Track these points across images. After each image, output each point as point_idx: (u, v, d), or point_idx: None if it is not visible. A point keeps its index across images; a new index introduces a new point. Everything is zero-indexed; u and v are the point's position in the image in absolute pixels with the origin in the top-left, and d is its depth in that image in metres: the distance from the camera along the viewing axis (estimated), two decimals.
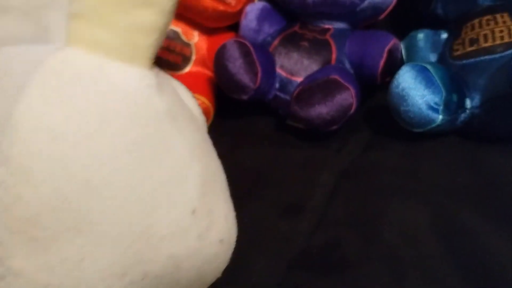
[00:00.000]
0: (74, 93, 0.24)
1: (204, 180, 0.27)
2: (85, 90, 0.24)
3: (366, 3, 0.55)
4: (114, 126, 0.24)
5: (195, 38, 0.61)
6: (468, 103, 0.50)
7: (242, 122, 0.60)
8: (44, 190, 0.23)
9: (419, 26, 0.58)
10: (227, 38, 0.57)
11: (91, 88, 0.24)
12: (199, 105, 0.55)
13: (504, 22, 0.50)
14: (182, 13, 0.59)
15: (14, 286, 0.24)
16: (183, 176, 0.26)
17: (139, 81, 0.25)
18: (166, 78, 0.29)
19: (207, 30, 0.61)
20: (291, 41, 0.58)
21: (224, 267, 0.31)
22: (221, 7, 0.57)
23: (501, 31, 0.49)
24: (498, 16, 0.51)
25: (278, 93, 0.57)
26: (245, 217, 0.47)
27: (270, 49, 0.58)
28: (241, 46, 0.54)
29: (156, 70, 0.27)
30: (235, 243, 0.32)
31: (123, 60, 0.25)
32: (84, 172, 0.23)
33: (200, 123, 0.33)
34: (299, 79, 0.55)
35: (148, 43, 0.26)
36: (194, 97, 0.35)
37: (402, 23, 0.61)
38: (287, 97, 0.55)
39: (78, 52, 0.24)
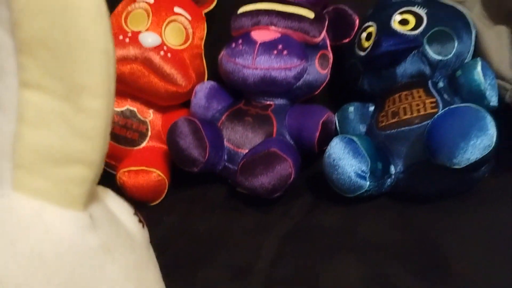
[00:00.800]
0: (16, 239, 0.26)
1: None
2: (26, 237, 0.26)
3: (300, 81, 0.61)
4: (51, 266, 0.26)
5: (150, 115, 0.66)
6: (392, 169, 0.55)
7: (195, 191, 0.64)
8: None
9: (351, 100, 0.64)
10: (181, 115, 0.62)
11: (30, 233, 0.26)
12: (154, 177, 0.60)
13: (419, 96, 0.56)
14: (137, 94, 0.65)
15: None
16: None
17: (74, 224, 0.27)
18: (104, 209, 0.31)
19: (161, 108, 0.67)
20: (237, 117, 0.63)
21: None
22: (172, 88, 0.63)
23: (418, 105, 0.55)
24: (414, 91, 0.57)
25: (227, 164, 0.62)
26: (199, 281, 0.51)
27: (219, 124, 0.64)
28: (191, 123, 0.59)
29: (90, 205, 0.29)
30: None
31: (60, 205, 0.27)
32: None
33: (138, 239, 0.35)
34: (244, 151, 0.61)
35: (81, 192, 0.28)
36: (135, 213, 0.37)
37: (337, 97, 0.67)
38: (235, 168, 0.60)
39: (21, 198, 0.26)
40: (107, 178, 0.65)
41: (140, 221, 0.37)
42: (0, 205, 0.26)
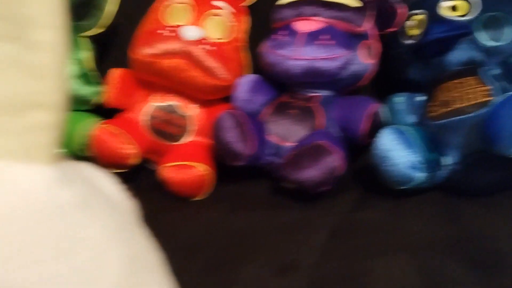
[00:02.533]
0: None
1: (125, 263, 0.28)
2: None
3: (345, 72, 0.60)
4: (16, 226, 0.24)
5: (193, 110, 0.66)
6: (445, 160, 0.53)
7: (239, 187, 0.63)
8: None
9: (399, 90, 0.63)
10: (223, 109, 0.61)
11: None
12: (196, 172, 0.60)
13: (471, 85, 0.54)
14: (180, 89, 0.64)
15: None
16: (101, 261, 0.27)
17: (41, 178, 0.26)
18: (78, 170, 0.30)
19: (203, 103, 0.66)
20: (281, 109, 0.62)
21: None
22: (214, 82, 0.62)
23: (470, 93, 0.53)
24: (466, 79, 0.55)
25: (271, 158, 0.60)
26: (243, 277, 0.51)
27: (262, 118, 0.63)
28: (235, 117, 0.58)
29: (61, 163, 0.27)
30: None
31: (24, 161, 0.25)
32: None
33: (122, 207, 0.33)
34: (289, 144, 0.59)
35: (46, 141, 0.26)
36: (120, 183, 0.34)
37: (383, 88, 0.66)
38: (280, 161, 0.59)
39: None
40: (150, 174, 0.66)
41: (126, 192, 0.35)
42: None
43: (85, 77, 0.66)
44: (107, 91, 0.66)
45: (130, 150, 0.61)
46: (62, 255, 0.25)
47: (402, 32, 0.62)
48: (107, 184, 0.33)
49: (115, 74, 0.67)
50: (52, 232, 0.25)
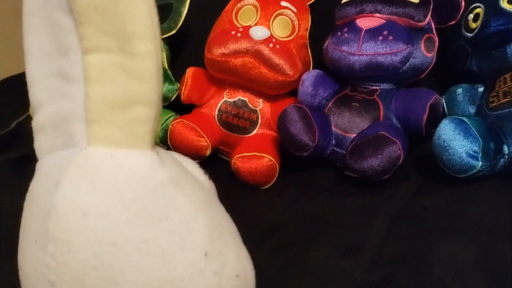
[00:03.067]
0: (94, 179, 0.31)
1: (211, 229, 0.33)
2: (102, 175, 0.31)
3: (406, 65, 0.62)
4: (126, 197, 0.30)
5: (260, 105, 0.70)
6: (506, 149, 0.55)
7: (304, 175, 0.67)
8: (83, 255, 0.30)
9: (458, 81, 0.64)
10: (288, 103, 0.65)
11: (106, 172, 0.31)
12: (266, 162, 0.64)
13: None
14: (248, 85, 0.69)
15: None
16: (191, 227, 0.32)
17: (143, 160, 0.32)
18: (169, 154, 0.36)
19: (270, 97, 0.71)
20: (344, 102, 0.66)
21: None
22: (281, 78, 0.66)
23: None
24: None
25: (335, 148, 0.64)
26: (311, 258, 0.54)
27: (325, 110, 0.66)
28: (300, 110, 0.62)
29: (157, 148, 0.33)
30: (254, 279, 0.36)
31: (129, 147, 0.31)
32: (110, 236, 0.30)
33: (205, 185, 0.38)
34: (352, 135, 0.63)
35: (146, 131, 0.32)
36: (200, 167, 0.41)
37: (443, 79, 0.67)
38: (343, 152, 0.63)
39: (95, 148, 0.31)
40: (222, 164, 0.71)
41: (206, 174, 0.41)
42: (79, 156, 0.31)
43: (163, 76, 0.72)
44: (183, 89, 0.72)
45: (203, 142, 0.67)
46: (161, 220, 0.31)
47: (464, 25, 0.63)
48: (191, 167, 0.38)
49: (190, 72, 0.73)
50: (154, 202, 0.31)
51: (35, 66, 0.34)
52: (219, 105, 0.71)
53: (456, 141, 0.54)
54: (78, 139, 0.32)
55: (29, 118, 0.76)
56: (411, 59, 0.62)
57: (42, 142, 0.34)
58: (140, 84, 0.31)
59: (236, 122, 0.70)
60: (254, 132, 0.70)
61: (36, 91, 0.34)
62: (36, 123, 0.35)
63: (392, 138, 0.57)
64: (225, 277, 0.33)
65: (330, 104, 0.67)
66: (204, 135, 0.67)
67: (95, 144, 0.32)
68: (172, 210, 0.32)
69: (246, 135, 0.70)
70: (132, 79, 0.31)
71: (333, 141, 0.64)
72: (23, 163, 0.78)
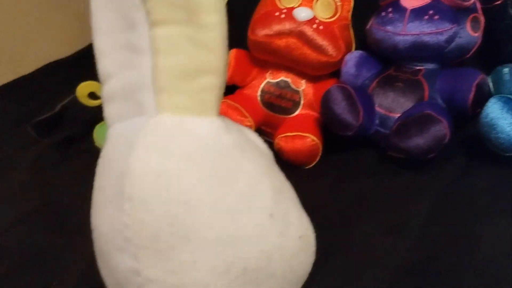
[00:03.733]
0: (167, 143, 0.32)
1: (275, 192, 0.34)
2: (174, 139, 0.32)
3: (452, 45, 0.62)
4: (197, 160, 0.32)
5: (302, 85, 0.71)
6: None
7: (347, 156, 0.67)
8: (158, 213, 0.31)
9: (505, 61, 0.64)
10: (330, 84, 0.66)
11: (177, 137, 0.32)
12: (309, 142, 0.65)
13: None
14: (291, 66, 0.70)
15: None
16: (257, 190, 0.34)
17: (211, 126, 0.33)
18: (232, 122, 0.37)
19: (312, 78, 0.71)
20: (387, 83, 0.66)
21: (310, 261, 0.37)
22: (324, 59, 0.67)
23: None
24: None
25: (378, 128, 0.64)
26: (354, 235, 0.55)
27: (369, 91, 0.67)
28: (344, 90, 0.62)
29: (222, 116, 0.35)
30: (314, 241, 0.37)
31: (197, 114, 0.33)
32: (184, 196, 0.31)
33: (266, 153, 0.40)
34: (396, 115, 0.63)
35: (213, 98, 0.33)
36: (259, 136, 0.42)
37: (489, 59, 0.67)
38: (387, 132, 0.63)
39: (164, 116, 0.33)
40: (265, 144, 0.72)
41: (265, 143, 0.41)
42: (150, 123, 0.33)
43: None
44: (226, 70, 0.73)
45: (247, 123, 0.68)
46: (230, 182, 0.33)
47: (509, 4, 0.63)
48: (251, 136, 0.40)
49: (233, 54, 0.74)
50: (222, 165, 0.33)
51: (103, 40, 0.36)
52: (261, 86, 0.72)
53: (504, 120, 0.54)
54: (147, 107, 0.34)
55: (73, 101, 0.78)
56: (456, 39, 0.62)
57: (112, 111, 0.36)
58: (207, 54, 0.32)
59: (279, 103, 0.71)
60: (297, 112, 0.71)
61: (105, 63, 0.36)
62: (105, 94, 0.36)
63: (438, 117, 0.57)
64: (289, 238, 0.34)
65: (373, 85, 0.67)
66: (248, 115, 0.68)
67: (164, 112, 0.33)
68: (239, 173, 0.33)
69: (289, 116, 0.71)
70: (199, 49, 0.32)
71: (377, 121, 0.64)
72: (68, 144, 0.80)
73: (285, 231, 0.34)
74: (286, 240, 0.34)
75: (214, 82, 0.33)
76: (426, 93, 0.63)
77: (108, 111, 0.36)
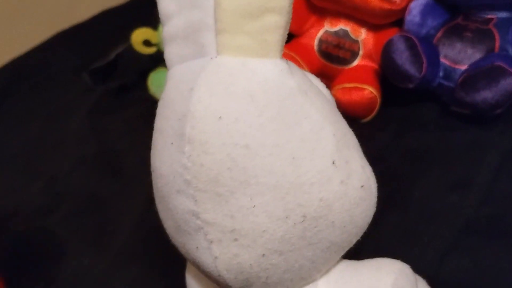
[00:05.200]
0: (228, 85, 0.31)
1: (338, 139, 0.33)
2: (236, 81, 0.31)
3: None
4: (260, 103, 0.31)
5: (362, 35, 0.68)
6: None
7: (407, 109, 0.64)
8: (218, 157, 0.31)
9: None
10: (392, 34, 0.63)
11: (240, 79, 0.31)
12: (368, 94, 0.63)
13: None
14: (351, 13, 0.66)
15: (210, 233, 0.32)
16: (320, 136, 0.32)
17: (274, 68, 0.31)
18: (295, 66, 0.35)
19: (373, 27, 0.67)
20: (454, 33, 0.62)
21: (371, 212, 0.36)
22: (387, 6, 0.63)
23: None
24: None
25: (442, 81, 0.61)
26: (416, 191, 0.53)
27: (434, 41, 0.63)
28: (407, 39, 0.59)
29: (286, 59, 0.33)
30: (376, 192, 0.36)
31: (260, 56, 0.31)
32: (244, 139, 0.30)
33: (329, 98, 0.38)
34: (463, 67, 0.59)
35: (276, 39, 0.32)
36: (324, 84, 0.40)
37: None
38: (451, 85, 0.60)
39: (226, 57, 0.32)
40: None
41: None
42: (212, 64, 0.32)
43: None
44: None
45: None
46: (292, 127, 0.32)
47: None
48: (314, 80, 0.38)
49: None
50: (285, 109, 0.32)
51: None
52: (319, 35, 0.69)
53: None
54: (209, 48, 0.33)
55: (128, 49, 0.78)
56: None
57: (173, 52, 0.35)
58: None
59: (337, 53, 0.68)
60: (355, 63, 0.68)
61: (166, 3, 0.35)
62: (166, 34, 0.36)
63: (510, 69, 0.53)
64: (351, 187, 0.33)
65: (439, 34, 0.63)
66: (304, 65, 0.66)
67: (226, 53, 0.32)
68: (302, 118, 0.32)
69: (346, 67, 0.68)
70: None
71: (441, 73, 0.61)
72: (122, 92, 0.81)
73: (347, 179, 0.33)
74: (348, 189, 0.33)
75: (278, 22, 0.31)
76: (497, 43, 0.59)
77: (168, 53, 0.36)
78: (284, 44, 0.33)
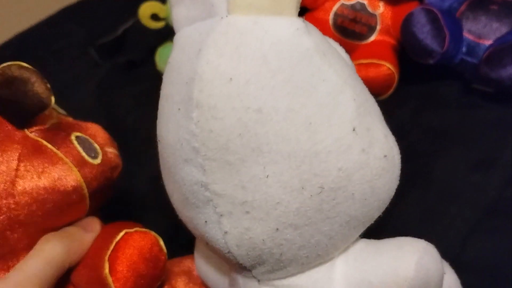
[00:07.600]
0: (239, 45, 0.29)
1: (358, 104, 0.30)
2: (247, 41, 0.29)
3: None
4: (273, 64, 0.29)
5: (380, 8, 0.64)
6: None
7: (426, 87, 0.61)
8: (228, 122, 0.28)
9: None
10: (411, 8, 0.59)
11: (251, 39, 0.29)
12: (385, 71, 0.60)
13: None
14: None
15: (220, 206, 0.30)
16: (339, 100, 0.30)
17: (289, 27, 0.29)
18: (313, 26, 0.33)
19: (391, 1, 0.64)
20: (479, 6, 0.58)
21: (394, 185, 0.33)
22: None
23: None
24: None
25: (464, 57, 0.58)
26: (437, 170, 0.51)
27: (457, 15, 0.60)
28: (429, 13, 0.56)
29: (302, 18, 0.31)
30: (400, 163, 0.33)
31: (273, 14, 0.29)
32: (256, 103, 0.28)
33: (349, 63, 0.35)
34: (487, 42, 0.56)
35: None
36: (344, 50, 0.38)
37: None
38: (474, 61, 0.57)
39: (237, 16, 0.29)
40: None
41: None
42: (221, 24, 0.29)
43: None
44: None
45: None
46: (308, 90, 0.29)
47: None
48: (333, 43, 0.36)
49: None
50: (301, 71, 0.29)
51: None
52: (334, 8, 0.66)
53: None
54: (218, 8, 0.30)
55: (135, 25, 0.76)
56: None
57: (180, 14, 0.33)
58: None
59: (353, 28, 0.65)
60: (372, 38, 0.65)
61: None
62: None
63: None
64: (372, 156, 0.31)
65: (462, 8, 0.60)
66: None
67: (237, 12, 0.30)
68: (319, 81, 0.29)
69: (363, 42, 0.65)
70: None
71: (464, 49, 0.58)
72: (129, 68, 0.79)
73: (368, 148, 0.30)
74: (369, 159, 0.30)
75: None
76: None
77: (176, 14, 0.33)
78: (300, 1, 0.30)
